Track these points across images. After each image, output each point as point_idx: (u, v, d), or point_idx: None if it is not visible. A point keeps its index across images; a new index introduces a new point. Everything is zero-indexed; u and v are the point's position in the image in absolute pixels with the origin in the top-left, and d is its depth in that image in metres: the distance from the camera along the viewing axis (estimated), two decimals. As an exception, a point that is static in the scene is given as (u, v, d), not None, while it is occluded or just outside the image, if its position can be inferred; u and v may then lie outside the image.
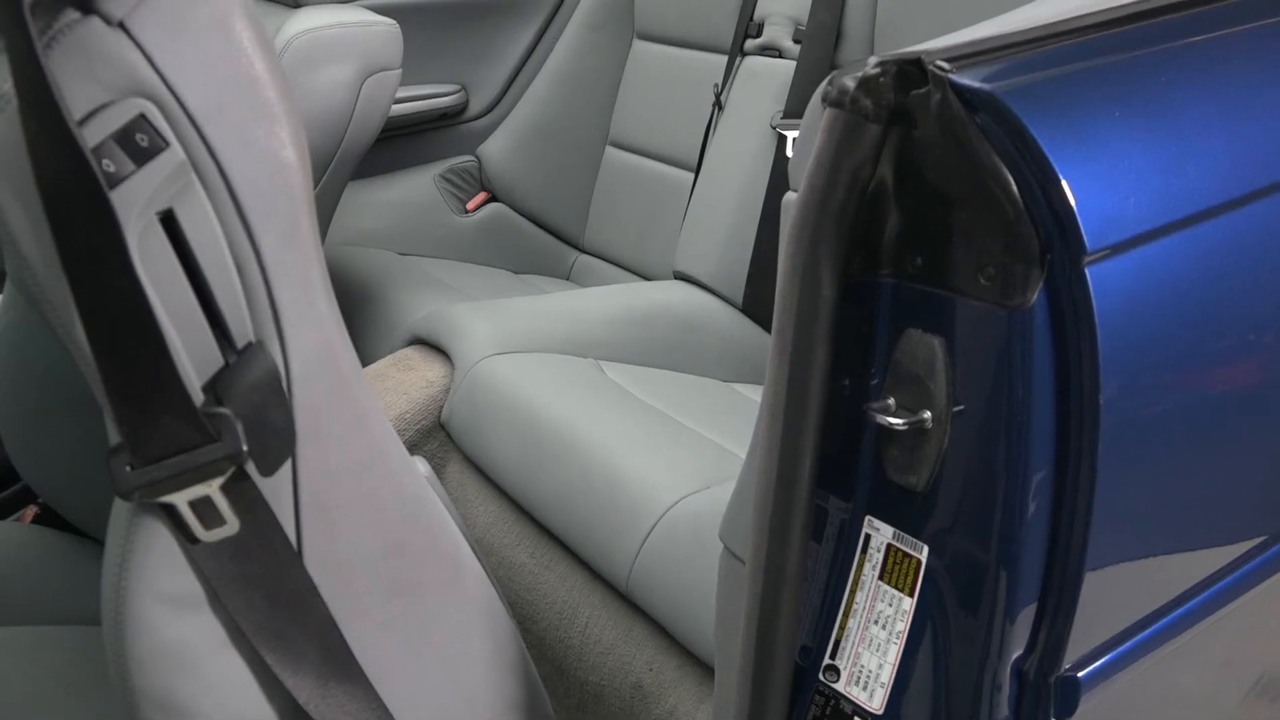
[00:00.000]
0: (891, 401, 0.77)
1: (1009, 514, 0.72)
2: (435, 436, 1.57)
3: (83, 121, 0.60)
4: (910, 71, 0.69)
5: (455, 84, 2.38)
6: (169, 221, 0.64)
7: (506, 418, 1.46)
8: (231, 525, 0.68)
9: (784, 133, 1.78)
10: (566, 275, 2.38)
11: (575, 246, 2.38)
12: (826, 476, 0.80)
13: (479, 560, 0.89)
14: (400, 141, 2.33)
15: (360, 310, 1.95)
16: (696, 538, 1.16)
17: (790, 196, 0.77)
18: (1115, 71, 0.74)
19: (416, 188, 2.35)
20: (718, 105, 1.95)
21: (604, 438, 1.35)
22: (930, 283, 0.74)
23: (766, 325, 1.83)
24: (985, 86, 0.66)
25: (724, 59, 2.02)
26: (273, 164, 0.67)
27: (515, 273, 2.36)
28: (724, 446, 1.40)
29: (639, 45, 2.25)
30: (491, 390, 1.51)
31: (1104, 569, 0.74)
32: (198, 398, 0.65)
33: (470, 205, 2.40)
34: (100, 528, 1.22)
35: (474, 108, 2.41)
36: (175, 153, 0.63)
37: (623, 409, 1.46)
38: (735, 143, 1.87)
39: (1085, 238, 0.67)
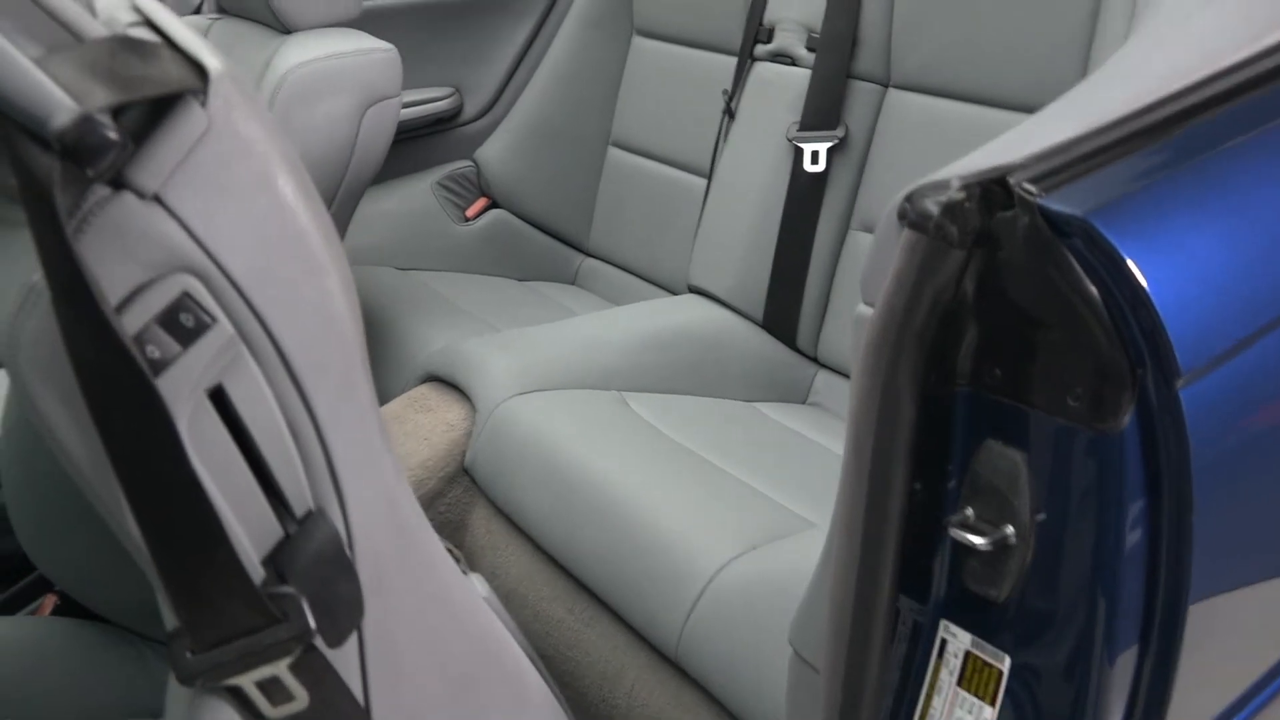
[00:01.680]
0: (970, 512, 0.74)
1: (1097, 631, 0.70)
2: (459, 482, 1.53)
3: (122, 307, 0.56)
4: (995, 192, 0.65)
5: (449, 86, 2.32)
6: (218, 396, 0.60)
7: (534, 465, 1.42)
8: (300, 700, 0.64)
9: (801, 145, 1.73)
10: (572, 280, 2.33)
11: (580, 250, 2.33)
12: (901, 579, 0.78)
13: (539, 670, 0.86)
14: (395, 149, 2.25)
15: (367, 340, 1.90)
16: (747, 605, 1.13)
17: (864, 311, 0.74)
18: (1197, 174, 0.70)
19: (413, 197, 2.29)
20: (728, 113, 1.90)
21: (640, 491, 1.32)
22: (1011, 396, 0.71)
23: (788, 341, 1.80)
24: (1075, 212, 0.63)
25: (729, 59, 1.96)
26: (323, 319, 0.62)
27: (520, 280, 2.31)
28: (760, 491, 1.37)
29: (639, 42, 2.19)
30: (516, 435, 1.47)
31: (1194, 685, 0.72)
32: (258, 575, 0.61)
33: (470, 212, 2.35)
34: (123, 614, 1.18)
35: (469, 110, 2.35)
36: (223, 328, 0.58)
37: (654, 453, 1.42)
38: (750, 154, 1.82)
39: (1179, 361, 0.64)
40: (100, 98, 0.52)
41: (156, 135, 0.56)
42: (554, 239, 2.33)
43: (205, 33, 1.84)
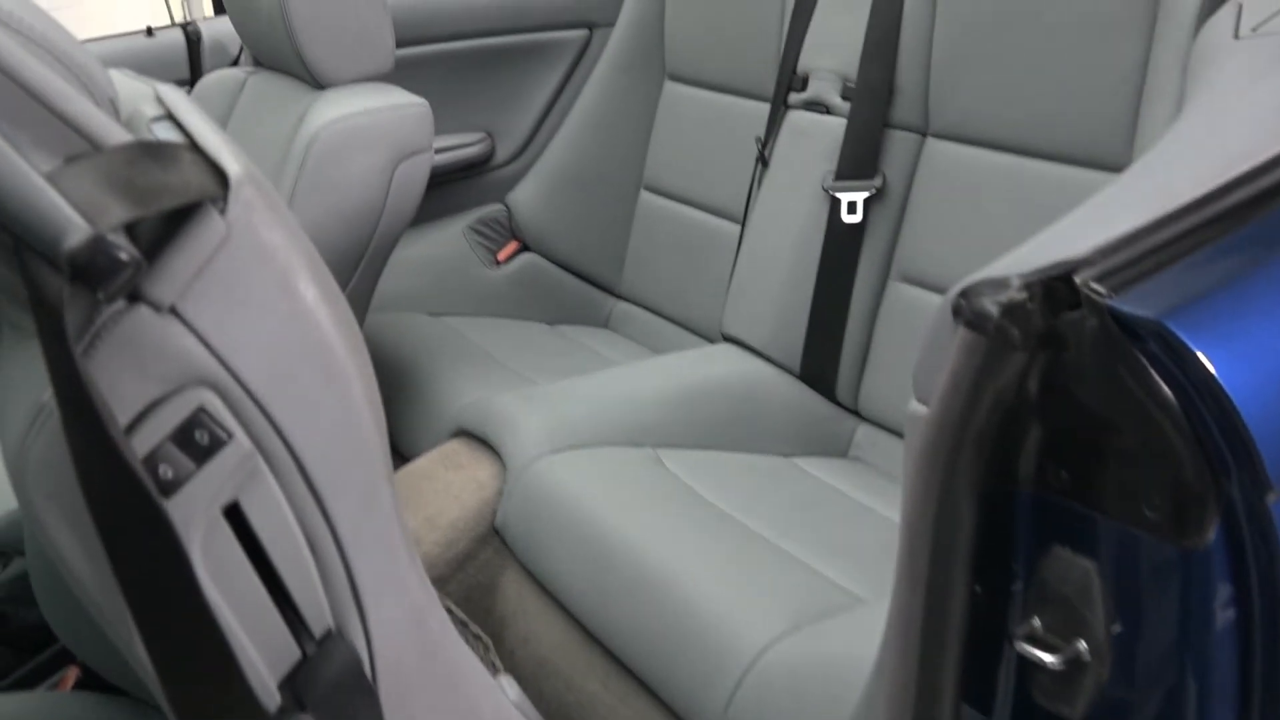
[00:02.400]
0: (1037, 623, 0.70)
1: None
2: (490, 543, 1.50)
3: (134, 425, 0.53)
4: (1059, 290, 0.61)
5: (481, 131, 2.30)
6: (234, 511, 0.57)
7: (567, 529, 1.39)
8: (319, 828, 0.61)
9: (838, 195, 1.69)
10: (604, 323, 2.30)
11: (612, 293, 2.30)
12: (963, 688, 0.74)
13: None
14: (426, 194, 2.24)
15: (397, 390, 1.88)
16: (794, 692, 1.09)
17: (917, 409, 0.70)
18: (1275, 267, 0.66)
19: (445, 241, 2.27)
20: (762, 160, 1.87)
21: (676, 560, 1.28)
22: (1079, 500, 0.66)
23: (827, 393, 1.76)
24: (1149, 314, 0.59)
25: (761, 105, 1.93)
26: (346, 430, 0.59)
27: (551, 324, 2.28)
28: (803, 561, 1.33)
29: (671, 87, 2.16)
30: (548, 495, 1.44)
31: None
32: (274, 701, 0.58)
33: (501, 256, 2.33)
34: (146, 688, 1.15)
35: (501, 155, 2.33)
36: (240, 443, 0.55)
37: (691, 518, 1.38)
38: (784, 202, 1.79)
39: (1269, 473, 0.60)
40: (115, 215, 0.49)
41: (174, 246, 0.53)
42: (586, 282, 2.30)
43: (241, 87, 1.83)
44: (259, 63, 1.87)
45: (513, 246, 2.33)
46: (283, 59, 1.68)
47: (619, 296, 2.28)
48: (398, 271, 2.15)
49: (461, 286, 2.24)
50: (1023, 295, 0.60)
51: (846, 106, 1.73)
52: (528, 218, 2.28)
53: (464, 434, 1.63)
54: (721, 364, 1.78)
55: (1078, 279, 0.60)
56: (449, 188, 2.29)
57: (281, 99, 1.71)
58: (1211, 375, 0.59)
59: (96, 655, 1.14)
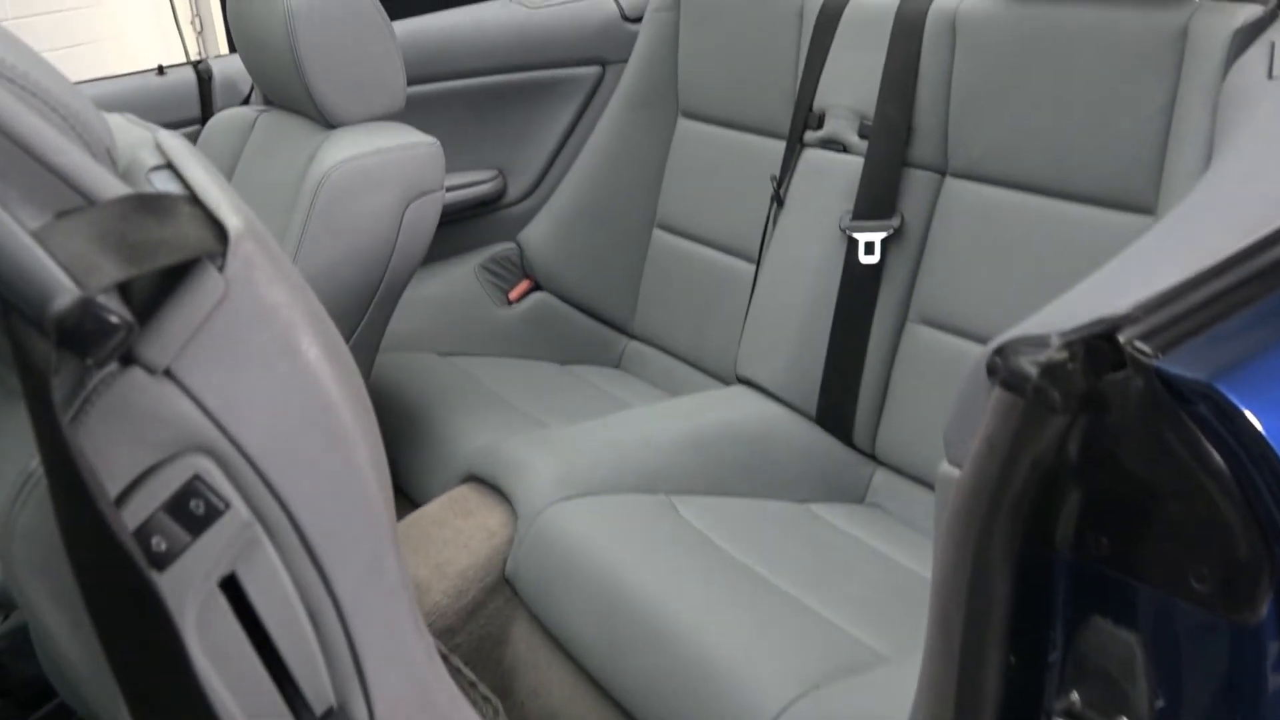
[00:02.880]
0: (1076, 698, 0.67)
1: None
2: (500, 593, 1.47)
3: (126, 494, 0.50)
4: (1102, 349, 0.58)
5: (493, 169, 2.28)
6: (232, 583, 0.54)
7: (578, 578, 1.35)
8: None
9: (855, 235, 1.66)
10: (616, 363, 2.27)
11: (625, 333, 2.27)
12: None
13: None
14: (438, 232, 2.22)
15: (406, 433, 1.85)
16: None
17: (949, 471, 0.67)
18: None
19: (456, 280, 2.25)
20: (777, 199, 1.84)
21: (691, 614, 1.24)
22: (1120, 569, 0.63)
23: (843, 437, 1.72)
24: (1199, 376, 0.56)
25: (777, 143, 1.91)
26: (349, 496, 0.56)
27: (562, 364, 2.25)
28: (821, 615, 1.29)
29: (684, 124, 2.14)
30: (560, 544, 1.40)
31: None
32: (273, 784, 0.55)
33: (513, 295, 2.30)
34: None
35: (513, 192, 2.31)
36: (237, 513, 0.52)
37: (706, 569, 1.35)
38: (800, 242, 1.76)
39: (1326, 543, 0.57)
40: (106, 274, 0.46)
41: (169, 305, 0.50)
42: (598, 322, 2.27)
43: (251, 125, 1.81)
44: (270, 101, 1.85)
45: (524, 285, 2.31)
46: (293, 98, 1.67)
47: (632, 336, 2.26)
48: (408, 311, 2.12)
49: (472, 326, 2.22)
50: (1063, 355, 0.57)
51: (864, 145, 1.70)
52: (539, 256, 2.25)
53: (474, 479, 1.60)
54: (736, 407, 1.74)
55: (1122, 337, 0.57)
56: (460, 226, 2.27)
57: (292, 138, 1.69)
58: (1265, 440, 0.55)
59: (94, 714, 1.11)
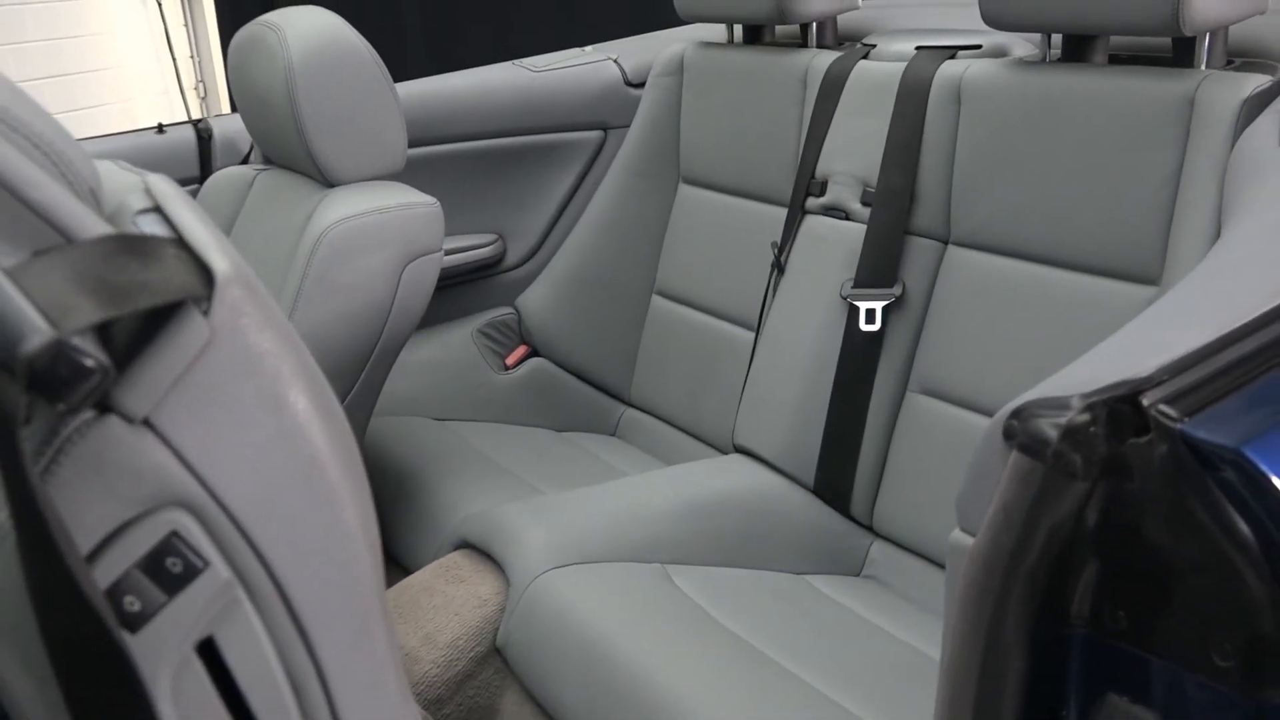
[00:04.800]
0: (1092, 780, 0.63)
1: None
2: (490, 663, 1.43)
3: (99, 550, 0.47)
4: (1124, 413, 0.55)
5: (492, 233, 2.27)
6: (208, 646, 0.51)
7: (571, 650, 1.32)
8: None
9: (856, 303, 1.65)
10: (613, 431, 2.25)
11: (622, 400, 2.25)
12: None
13: None
14: (436, 296, 2.21)
15: (398, 498, 1.82)
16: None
17: (961, 539, 0.64)
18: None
19: (453, 345, 2.23)
20: (777, 266, 1.83)
21: (686, 690, 1.20)
22: (1138, 645, 0.60)
23: (841, 508, 1.69)
24: (1227, 442, 0.53)
25: (778, 210, 1.90)
26: (336, 558, 0.53)
27: (558, 431, 2.23)
28: (816, 689, 1.25)
29: (685, 190, 2.14)
30: (552, 614, 1.36)
31: None
32: None
33: (510, 360, 2.28)
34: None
35: (511, 257, 2.30)
36: (216, 572, 0.50)
37: (701, 642, 1.31)
38: (800, 310, 1.75)
39: (1359, 621, 0.54)
40: (82, 315, 0.44)
41: (150, 350, 0.48)
42: (595, 389, 2.25)
43: (250, 185, 1.80)
44: (269, 160, 1.85)
45: (521, 351, 2.29)
46: (293, 157, 1.66)
47: (629, 404, 2.23)
48: (404, 374, 2.10)
49: (468, 391, 2.19)
50: (1084, 418, 0.55)
51: (866, 212, 1.69)
52: (537, 322, 2.24)
53: (466, 546, 1.57)
54: (733, 476, 1.72)
55: (1145, 400, 0.55)
56: (458, 290, 2.25)
57: (290, 196, 1.68)
58: (1295, 511, 0.53)
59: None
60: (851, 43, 1.90)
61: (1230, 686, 0.57)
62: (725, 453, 1.90)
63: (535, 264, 2.31)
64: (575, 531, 1.50)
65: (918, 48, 1.71)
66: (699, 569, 1.53)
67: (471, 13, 4.73)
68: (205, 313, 0.50)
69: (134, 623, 0.48)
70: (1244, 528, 0.53)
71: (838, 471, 1.68)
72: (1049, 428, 0.55)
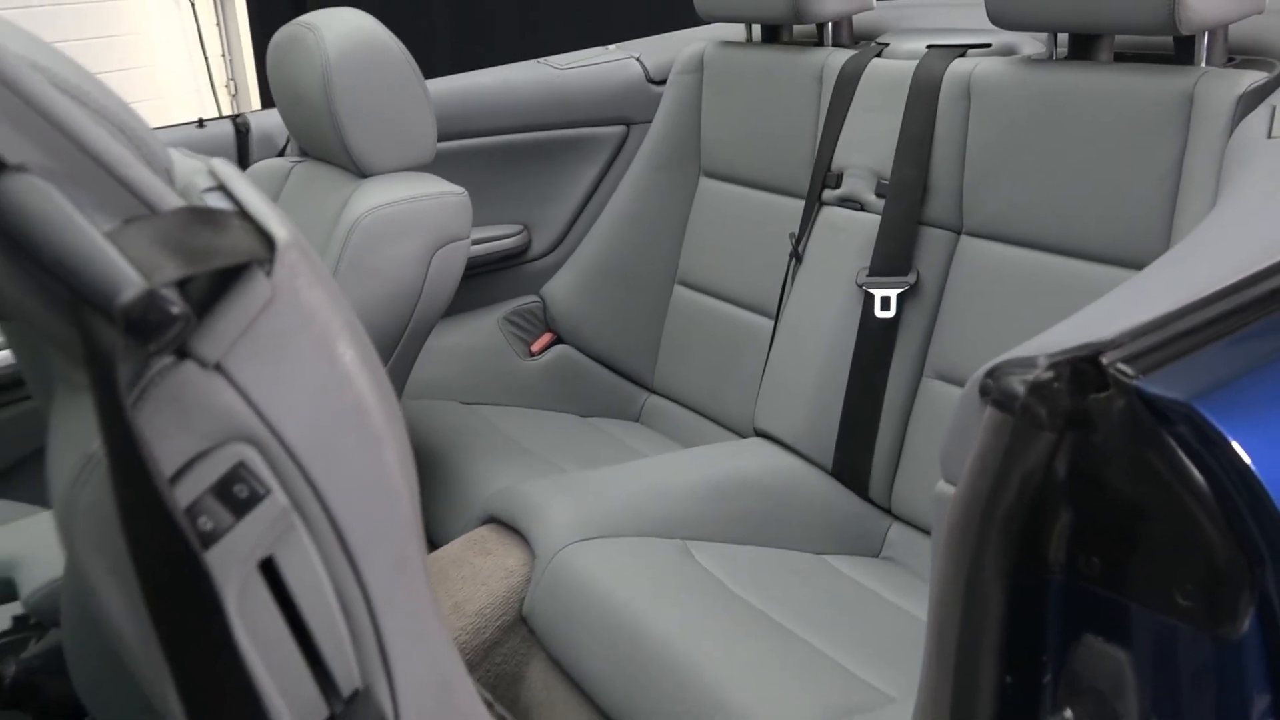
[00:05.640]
0: (1070, 715, 0.69)
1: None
2: (517, 631, 1.49)
3: (177, 477, 0.54)
4: (1086, 371, 0.61)
5: (518, 224, 2.34)
6: (269, 566, 0.58)
7: (594, 619, 1.38)
8: None
9: (871, 291, 1.71)
10: (636, 417, 2.31)
11: (645, 387, 2.31)
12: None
13: None
14: (463, 284, 2.28)
15: (428, 477, 1.89)
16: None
17: (945, 489, 0.70)
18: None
19: (480, 332, 2.30)
20: (795, 256, 1.89)
21: (705, 655, 1.26)
22: (1110, 588, 0.66)
23: (859, 490, 1.75)
24: (1178, 396, 0.59)
25: (796, 201, 1.96)
26: (379, 493, 0.60)
27: (583, 416, 2.29)
28: (833, 659, 1.31)
29: (706, 183, 2.20)
30: (576, 585, 1.43)
31: None
32: (300, 760, 0.58)
33: (535, 347, 2.35)
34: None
35: (537, 247, 2.37)
36: (277, 499, 0.56)
37: (720, 611, 1.37)
38: (817, 298, 1.81)
39: (1305, 559, 0.59)
40: (168, 272, 0.51)
41: (221, 305, 0.55)
42: (618, 375, 2.32)
43: (286, 176, 1.88)
44: (305, 153, 1.92)
45: (546, 338, 2.35)
46: (328, 149, 1.73)
47: (651, 390, 2.29)
48: (432, 360, 2.17)
49: (495, 377, 2.26)
50: (1049, 375, 0.60)
51: (880, 203, 1.75)
52: (562, 310, 2.30)
53: (494, 521, 1.63)
54: (753, 458, 1.78)
55: (1105, 360, 0.61)
56: (485, 279, 2.32)
57: (325, 186, 1.75)
58: (1243, 460, 0.58)
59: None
60: (866, 41, 1.96)
61: (1192, 623, 0.62)
62: (746, 438, 1.96)
63: (560, 254, 2.37)
64: (598, 507, 1.56)
65: (929, 46, 1.76)
66: (719, 545, 1.59)
67: (497, 14, 4.81)
68: (268, 274, 0.56)
69: (207, 540, 0.55)
70: (1198, 477, 0.59)
71: (856, 455, 1.74)
72: (1018, 384, 0.61)
